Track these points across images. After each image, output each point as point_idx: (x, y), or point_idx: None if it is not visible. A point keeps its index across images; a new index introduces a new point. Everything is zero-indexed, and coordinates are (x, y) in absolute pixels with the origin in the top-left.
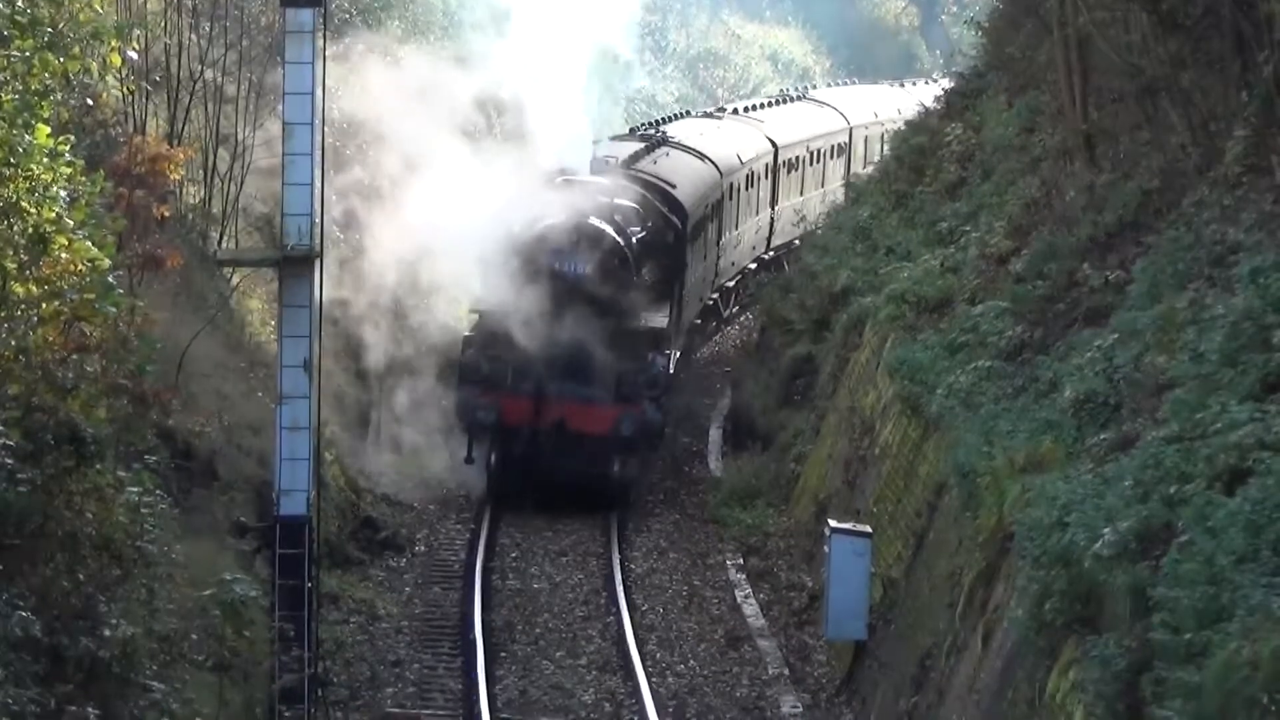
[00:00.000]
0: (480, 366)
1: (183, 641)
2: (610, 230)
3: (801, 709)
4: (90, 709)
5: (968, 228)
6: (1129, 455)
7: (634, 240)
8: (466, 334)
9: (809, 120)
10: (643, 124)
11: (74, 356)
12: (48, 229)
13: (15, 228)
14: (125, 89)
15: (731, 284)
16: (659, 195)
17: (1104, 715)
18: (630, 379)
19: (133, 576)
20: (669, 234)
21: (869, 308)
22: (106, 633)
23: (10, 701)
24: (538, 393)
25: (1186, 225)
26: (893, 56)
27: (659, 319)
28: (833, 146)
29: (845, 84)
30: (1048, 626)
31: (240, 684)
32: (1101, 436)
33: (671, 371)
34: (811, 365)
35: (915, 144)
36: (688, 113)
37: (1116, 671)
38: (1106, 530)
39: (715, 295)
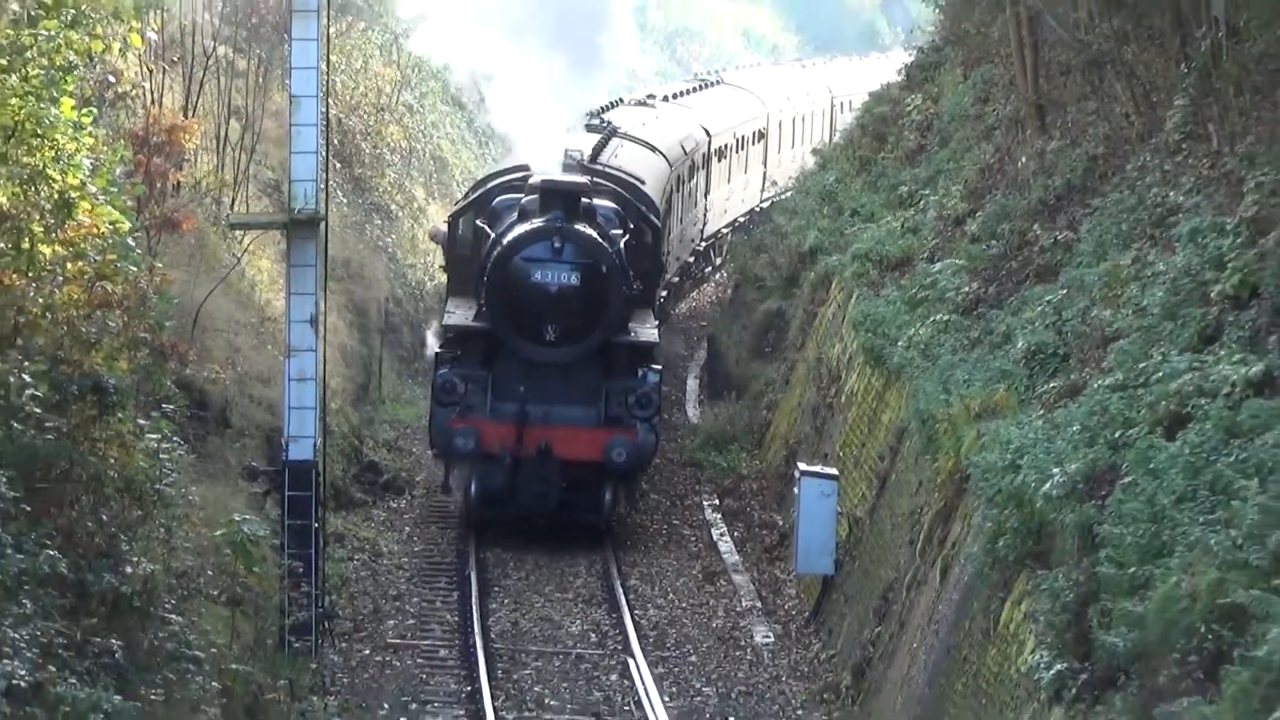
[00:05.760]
0: (456, 387)
1: (199, 577)
2: (595, 235)
3: (773, 638)
4: (113, 640)
5: (927, 191)
6: (1077, 402)
7: (620, 245)
8: (438, 351)
9: (733, 106)
10: (586, 114)
11: (97, 313)
12: (72, 194)
13: (42, 193)
14: (144, 65)
15: (676, 279)
16: (633, 192)
17: (1054, 644)
18: (621, 399)
19: (152, 517)
20: (648, 234)
21: (835, 266)
22: (128, 569)
23: (39, 634)
24: (520, 416)
25: (1130, 188)
26: (855, 32)
27: (648, 331)
28: (754, 132)
29: (755, 66)
30: (1001, 562)
31: (252, 617)
32: (1051, 385)
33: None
34: (782, 319)
35: (878, 113)
36: (620, 100)
37: (1065, 603)
38: (1056, 472)
39: (665, 292)
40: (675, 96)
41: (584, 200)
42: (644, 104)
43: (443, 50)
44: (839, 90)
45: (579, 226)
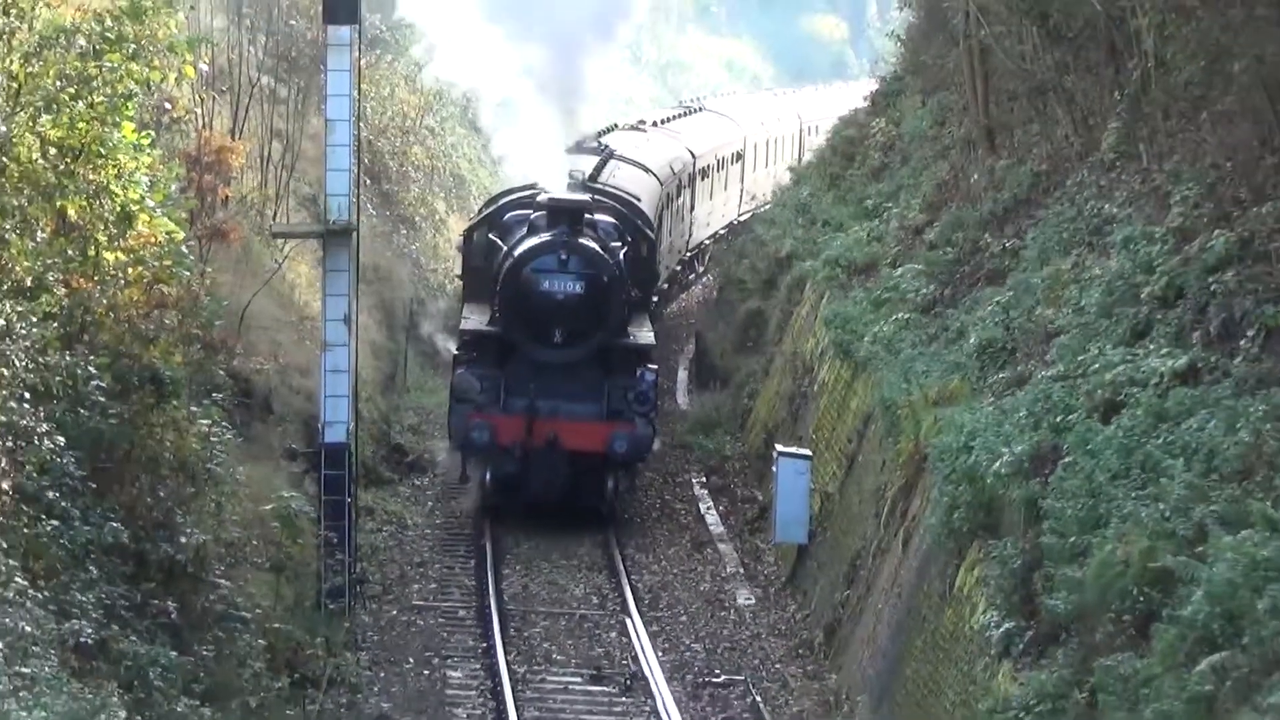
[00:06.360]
0: (472, 386)
1: (245, 547)
2: (597, 247)
3: (754, 600)
4: (169, 602)
5: (890, 204)
6: (1023, 391)
7: (620, 256)
8: (455, 353)
9: (714, 131)
10: (581, 137)
11: (155, 312)
12: (132, 208)
13: (106, 207)
14: (196, 94)
15: (665, 286)
16: (629, 209)
17: (1003, 605)
18: (621, 396)
19: (204, 493)
20: (643, 246)
21: (809, 270)
22: (182, 540)
23: (104, 596)
24: (530, 411)
25: (1070, 201)
26: (826, 64)
27: (646, 334)
28: (733, 154)
29: (733, 94)
30: (956, 532)
31: (293, 581)
32: (1000, 375)
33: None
34: (762, 318)
35: (846, 135)
36: (616, 125)
37: (1013, 569)
38: (1004, 453)
39: (655, 298)
40: (663, 122)
41: (587, 216)
42: (636, 128)
43: (460, 76)
44: (807, 116)
45: (583, 240)
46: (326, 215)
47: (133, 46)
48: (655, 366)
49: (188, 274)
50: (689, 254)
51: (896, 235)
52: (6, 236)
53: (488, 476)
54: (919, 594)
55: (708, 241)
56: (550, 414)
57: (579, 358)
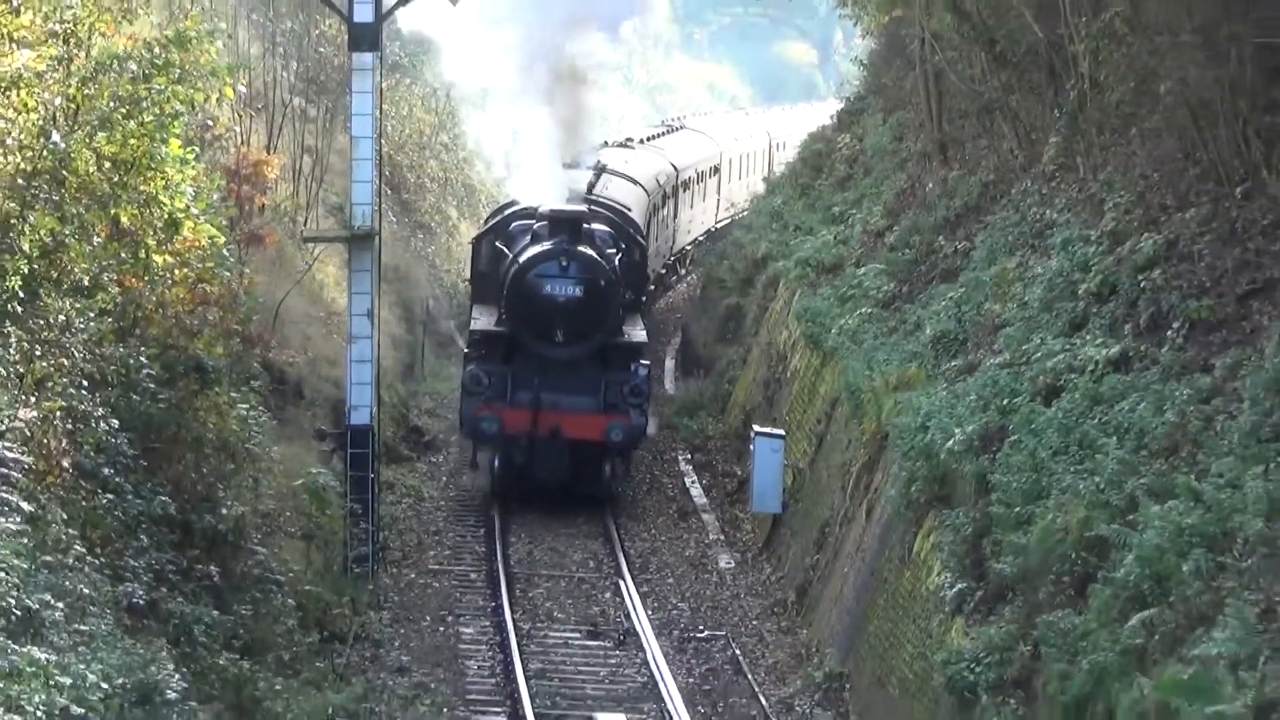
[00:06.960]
0: (481, 381)
1: (279, 518)
2: (595, 254)
3: (734, 564)
4: (212, 567)
5: (854, 211)
6: (973, 377)
7: (615, 262)
8: (466, 351)
9: (694, 146)
10: (576, 153)
11: (199, 309)
12: (179, 215)
13: (155, 214)
14: (235, 113)
15: (652, 288)
16: (622, 218)
17: (955, 568)
18: (617, 389)
19: (242, 470)
20: (636, 252)
21: (782, 270)
22: (223, 511)
23: (153, 562)
24: (534, 404)
25: (1014, 208)
26: (798, 86)
27: (639, 333)
28: (710, 168)
29: (709, 113)
30: (914, 503)
31: (322, 548)
32: (953, 363)
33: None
34: (740, 312)
35: (815, 149)
36: (606, 142)
37: (965, 536)
38: (956, 432)
39: (645, 299)
40: (649, 139)
41: (584, 226)
42: (625, 145)
43: (464, 83)
44: (776, 133)
45: (581, 248)
46: (351, 222)
47: (178, 71)
48: (648, 362)
49: (228, 275)
50: (673, 257)
51: (860, 238)
52: (66, 241)
53: (496, 463)
54: (881, 558)
55: (690, 246)
56: (553, 406)
57: (579, 355)
